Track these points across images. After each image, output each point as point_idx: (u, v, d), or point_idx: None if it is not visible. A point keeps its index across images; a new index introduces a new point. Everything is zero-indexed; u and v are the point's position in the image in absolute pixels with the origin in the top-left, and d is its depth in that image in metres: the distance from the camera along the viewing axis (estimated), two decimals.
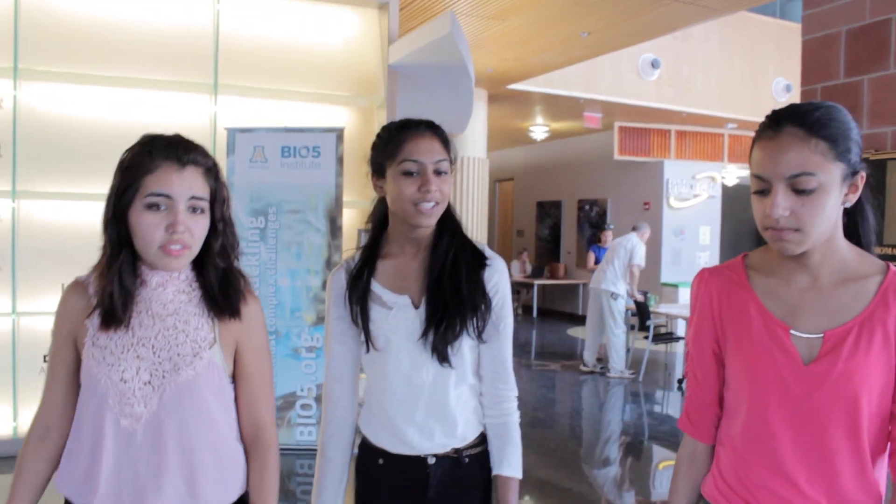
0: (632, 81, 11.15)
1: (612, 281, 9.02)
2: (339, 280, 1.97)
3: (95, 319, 1.63)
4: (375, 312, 1.91)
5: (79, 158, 5.39)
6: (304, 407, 5.44)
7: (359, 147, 6.06)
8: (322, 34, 6.08)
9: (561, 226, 15.52)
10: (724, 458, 1.63)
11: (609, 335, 9.05)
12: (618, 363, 9.03)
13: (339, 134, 5.48)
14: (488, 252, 1.96)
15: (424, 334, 1.86)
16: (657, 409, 7.95)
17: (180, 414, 1.64)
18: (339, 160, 5.47)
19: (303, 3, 6.01)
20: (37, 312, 5.35)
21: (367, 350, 1.94)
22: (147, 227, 1.58)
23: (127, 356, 1.62)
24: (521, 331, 13.45)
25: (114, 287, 1.61)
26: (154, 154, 1.61)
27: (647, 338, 9.01)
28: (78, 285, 1.69)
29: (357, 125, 6.18)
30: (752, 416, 1.56)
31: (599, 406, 8.10)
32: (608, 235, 10.60)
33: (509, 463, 1.95)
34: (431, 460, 1.92)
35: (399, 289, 1.92)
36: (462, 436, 1.94)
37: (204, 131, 5.63)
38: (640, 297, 9.09)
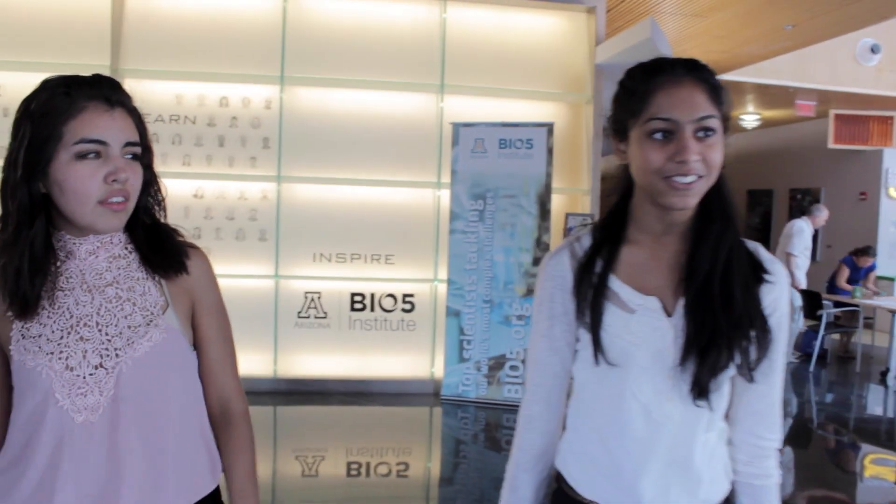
0: (849, 68, 10.94)
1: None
2: (562, 266, 1.49)
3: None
4: (611, 316, 1.41)
5: (330, 149, 6.46)
6: (512, 368, 6.20)
7: (568, 139, 6.73)
8: (535, 37, 6.76)
9: (772, 214, 15.32)
10: None
11: None
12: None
13: (549, 128, 6.16)
14: (765, 255, 1.44)
15: (684, 360, 1.37)
16: (829, 396, 7.95)
17: (142, 395, 1.39)
18: (549, 151, 6.15)
19: (518, 9, 6.71)
20: (293, 276, 6.50)
21: (597, 363, 1.43)
22: (81, 179, 1.31)
23: (68, 340, 1.36)
24: None
25: (23, 264, 1.33)
26: (74, 95, 1.33)
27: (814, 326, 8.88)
28: None
29: (566, 119, 6.82)
30: None
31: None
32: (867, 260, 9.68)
33: None
34: None
35: (644, 287, 1.42)
36: (706, 497, 1.44)
37: (432, 126, 6.52)
38: (799, 286, 8.72)
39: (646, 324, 1.39)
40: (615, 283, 1.42)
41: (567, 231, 6.48)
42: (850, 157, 13.19)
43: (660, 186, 1.34)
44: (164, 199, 1.49)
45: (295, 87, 6.44)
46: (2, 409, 1.40)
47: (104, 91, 1.36)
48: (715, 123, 1.33)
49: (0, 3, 6.11)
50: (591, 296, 1.42)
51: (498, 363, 6.23)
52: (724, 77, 10.20)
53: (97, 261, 1.41)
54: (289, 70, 6.38)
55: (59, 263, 1.39)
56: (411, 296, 6.65)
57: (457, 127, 6.29)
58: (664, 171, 1.32)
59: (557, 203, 6.58)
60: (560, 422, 1.56)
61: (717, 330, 1.35)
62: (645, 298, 1.40)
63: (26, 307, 1.34)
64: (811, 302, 8.93)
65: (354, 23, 6.51)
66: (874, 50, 11.03)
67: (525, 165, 6.16)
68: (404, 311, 6.64)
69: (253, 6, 6.40)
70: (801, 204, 14.37)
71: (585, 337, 1.43)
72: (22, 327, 1.36)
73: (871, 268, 9.63)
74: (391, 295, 6.62)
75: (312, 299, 6.56)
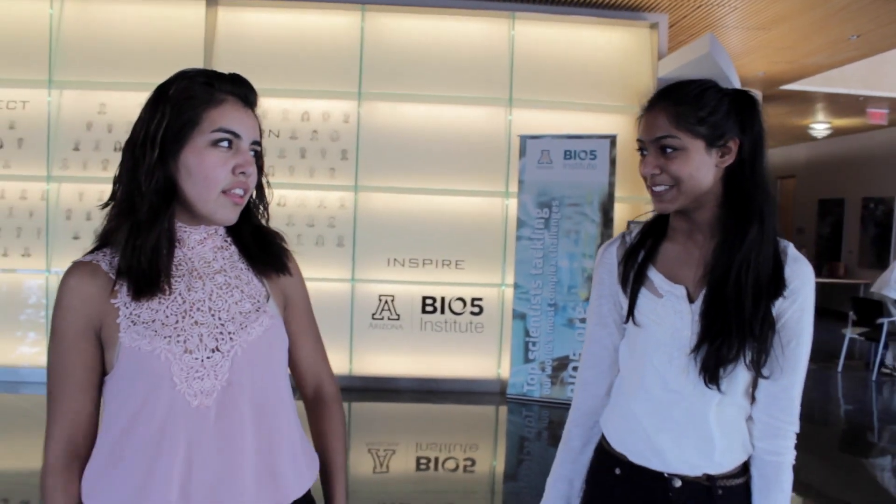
0: None
1: (893, 286, 8.74)
2: (611, 256, 1.74)
3: (126, 296, 1.36)
4: (644, 298, 1.65)
5: (404, 160, 6.86)
6: (575, 368, 6.46)
7: (632, 150, 6.96)
8: (599, 51, 7.03)
9: (843, 224, 15.17)
10: None
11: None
12: None
13: (612, 140, 6.43)
14: (788, 266, 1.58)
15: (697, 348, 1.57)
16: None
17: (254, 378, 1.41)
18: (612, 162, 6.41)
19: (583, 25, 7.00)
20: (368, 280, 6.90)
21: (619, 336, 1.73)
22: (213, 165, 1.35)
23: (184, 324, 1.37)
24: None
25: (162, 243, 1.36)
26: (217, 87, 1.39)
27: None
28: (84, 267, 1.38)
29: (630, 131, 7.05)
30: None
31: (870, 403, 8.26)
32: None
33: None
34: (677, 483, 1.62)
35: (675, 276, 1.64)
36: (720, 461, 1.61)
37: (500, 138, 6.86)
38: None
39: (670, 307, 1.61)
40: (651, 272, 1.64)
41: None
42: None
43: (650, 194, 1.59)
44: (268, 203, 1.53)
45: (372, 102, 6.86)
46: (91, 398, 1.38)
47: (244, 90, 1.41)
48: (674, 142, 1.53)
49: (105, 30, 6.69)
50: (631, 281, 1.65)
51: (562, 364, 6.50)
52: (792, 87, 10.26)
53: (205, 250, 1.45)
54: (366, 86, 6.80)
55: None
56: (480, 299, 6.97)
57: (524, 139, 6.61)
58: (647, 182, 1.59)
59: (620, 211, 6.82)
60: (608, 387, 1.76)
61: (727, 327, 1.53)
62: (673, 286, 1.61)
63: (152, 286, 1.35)
64: (870, 311, 8.89)
65: (427, 40, 6.91)
66: None
67: (589, 175, 6.44)
68: (473, 313, 6.97)
69: (332, 25, 6.85)
70: (874, 213, 14.23)
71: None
72: (131, 314, 1.35)
73: None
74: (460, 298, 6.96)
75: (386, 302, 6.94)
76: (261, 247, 1.51)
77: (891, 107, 11.79)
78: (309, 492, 1.52)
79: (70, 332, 1.36)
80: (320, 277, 6.73)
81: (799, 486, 5.36)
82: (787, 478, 1.61)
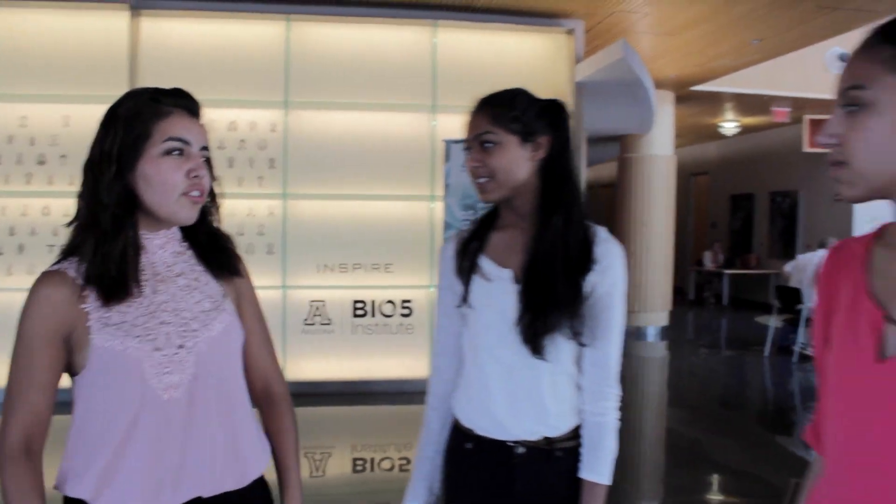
0: (820, 75, 11.41)
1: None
2: (449, 251, 1.91)
3: (94, 301, 1.45)
4: (476, 285, 1.81)
5: (331, 167, 6.96)
6: None
7: None
8: (519, 57, 7.25)
9: (753, 217, 15.82)
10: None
11: None
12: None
13: None
14: (598, 247, 1.78)
15: (520, 320, 1.74)
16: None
17: (217, 372, 1.54)
18: None
19: (502, 32, 7.22)
20: (299, 286, 6.98)
21: (466, 324, 1.86)
22: (169, 171, 1.46)
23: (151, 325, 1.48)
24: (713, 319, 14.06)
25: (129, 250, 1.47)
26: (163, 101, 1.49)
27: None
28: (53, 276, 1.47)
29: None
30: (832, 424, 1.22)
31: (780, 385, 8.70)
32: None
33: (597, 468, 1.78)
34: (520, 449, 1.78)
35: (504, 262, 1.81)
36: (555, 425, 1.79)
37: (425, 143, 7.05)
38: None
39: (499, 290, 1.78)
40: (482, 260, 1.83)
41: None
42: (824, 160, 13.61)
43: (475, 186, 1.81)
44: (220, 207, 1.64)
45: (298, 111, 6.95)
46: (49, 398, 1.47)
47: (187, 102, 1.53)
48: (492, 137, 1.76)
49: (26, 41, 6.59)
50: (465, 269, 1.83)
51: None
52: (702, 88, 10.71)
53: (165, 254, 1.56)
54: (292, 95, 6.89)
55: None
56: (409, 301, 7.12)
57: (448, 143, 6.79)
58: (471, 175, 1.81)
59: None
60: (458, 371, 1.90)
61: (542, 302, 1.71)
62: (501, 271, 1.80)
63: (122, 291, 1.46)
64: (790, 298, 9.42)
65: (352, 50, 7.02)
66: (842, 58, 11.51)
67: None
68: (403, 315, 7.12)
69: (258, 35, 6.91)
70: (781, 206, 14.88)
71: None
72: (101, 317, 1.45)
73: None
74: (390, 301, 7.10)
75: (317, 307, 7.04)
76: (215, 250, 1.63)
77: (793, 105, 12.35)
78: (262, 476, 1.64)
79: (39, 336, 1.44)
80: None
81: (713, 466, 5.67)
82: (610, 436, 1.79)
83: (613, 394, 1.81)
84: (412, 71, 7.09)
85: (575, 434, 1.81)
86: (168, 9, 6.79)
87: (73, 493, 1.46)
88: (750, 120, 13.85)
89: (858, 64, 1.08)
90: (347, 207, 7.01)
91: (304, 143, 6.95)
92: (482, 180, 1.78)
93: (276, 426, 1.70)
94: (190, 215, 1.52)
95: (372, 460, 5.40)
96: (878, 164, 1.06)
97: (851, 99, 1.07)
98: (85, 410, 1.48)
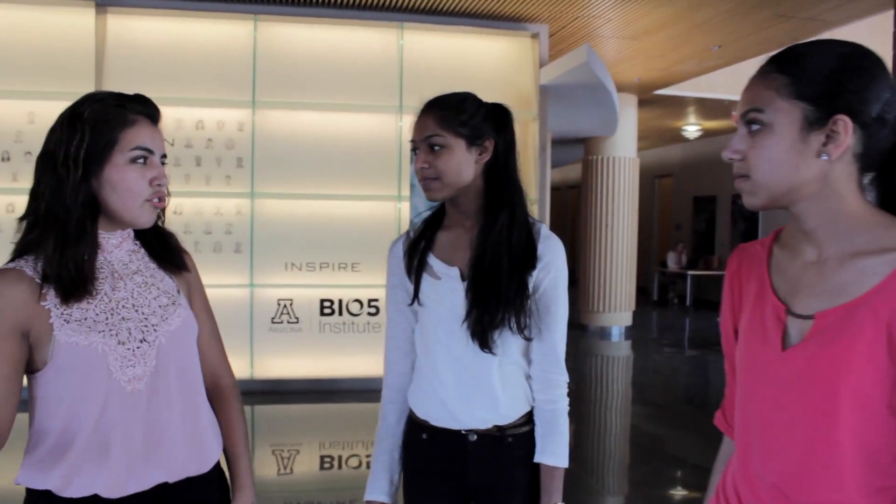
0: None
1: None
2: (398, 249, 1.97)
3: (55, 298, 1.48)
4: (426, 282, 1.88)
5: (299, 167, 7.01)
6: None
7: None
8: (485, 60, 7.36)
9: (716, 219, 16.07)
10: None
11: None
12: None
13: None
14: (541, 243, 1.87)
15: (468, 316, 1.81)
16: None
17: (177, 364, 1.60)
18: None
19: (469, 35, 7.31)
20: (267, 285, 7.03)
21: (414, 320, 1.95)
22: (134, 180, 1.51)
23: (113, 320, 1.53)
24: (676, 319, 14.27)
25: (88, 254, 1.51)
26: (128, 108, 1.54)
27: None
28: (10, 273, 1.49)
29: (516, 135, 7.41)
30: (740, 408, 1.34)
31: None
32: None
33: (553, 451, 1.87)
34: (473, 437, 1.87)
35: (450, 260, 1.88)
36: (505, 413, 1.87)
37: (392, 143, 7.12)
38: None
39: (447, 287, 1.86)
40: (431, 258, 1.90)
41: None
42: None
43: (421, 187, 1.86)
44: (166, 207, 1.67)
45: (265, 111, 6.98)
46: (12, 389, 1.47)
47: (150, 110, 1.58)
48: (440, 140, 1.81)
49: None
50: (414, 268, 1.90)
51: None
52: (665, 92, 10.89)
53: (121, 252, 1.60)
54: (260, 95, 6.92)
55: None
56: (376, 300, 7.18)
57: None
58: (418, 174, 1.85)
59: None
60: (412, 365, 1.98)
61: (488, 298, 1.79)
62: (449, 269, 1.87)
63: (81, 290, 1.49)
64: None
65: (319, 50, 7.08)
66: None
67: None
68: (370, 314, 7.18)
69: (225, 34, 6.94)
70: (742, 209, 15.13)
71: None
72: (62, 314, 1.48)
73: None
74: (357, 300, 7.16)
75: (285, 306, 7.08)
76: (164, 247, 1.68)
77: None
78: (218, 462, 1.71)
79: None
80: (219, 284, 6.79)
81: (675, 461, 5.80)
82: (564, 421, 1.89)
83: (562, 381, 1.90)
84: (379, 72, 7.15)
85: (525, 421, 1.90)
86: (134, 6, 6.79)
87: (40, 486, 1.49)
88: (712, 124, 14.07)
89: (756, 90, 1.23)
90: (315, 207, 7.06)
91: (272, 142, 6.99)
92: (429, 181, 1.83)
93: (226, 417, 1.75)
94: (150, 219, 1.58)
95: (339, 457, 5.45)
96: (775, 176, 1.20)
97: (751, 120, 1.21)
98: (47, 406, 1.50)
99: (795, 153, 1.19)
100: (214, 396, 1.76)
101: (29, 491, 1.52)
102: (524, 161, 7.39)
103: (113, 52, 6.75)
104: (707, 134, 15.14)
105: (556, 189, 19.09)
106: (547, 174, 7.64)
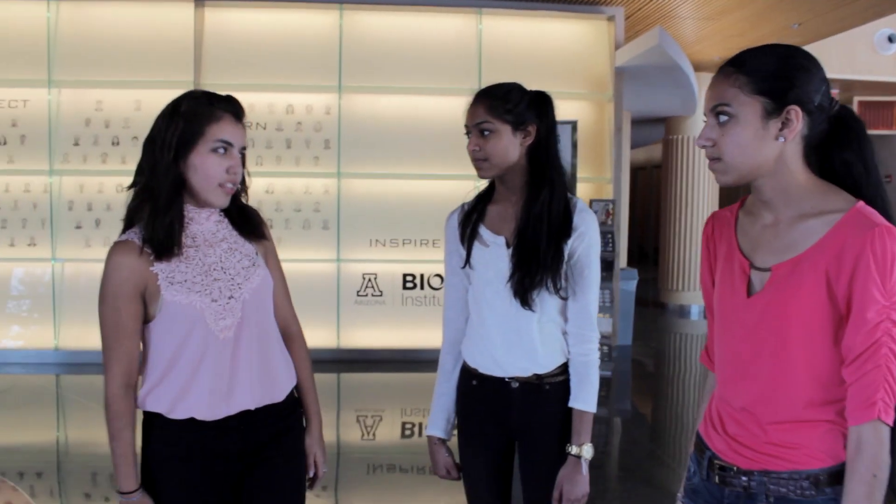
0: (867, 57, 11.36)
1: None
2: (453, 220, 2.23)
3: (160, 263, 1.80)
4: (477, 249, 2.13)
5: (382, 148, 7.39)
6: None
7: (593, 134, 7.55)
8: (561, 43, 7.58)
9: None
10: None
11: None
12: None
13: (573, 125, 6.97)
14: (576, 215, 2.09)
15: (511, 278, 2.06)
16: None
17: (255, 315, 1.90)
18: (574, 145, 6.95)
19: (546, 19, 7.55)
20: (353, 260, 7.44)
21: (467, 281, 2.20)
22: (213, 166, 1.79)
23: (207, 281, 1.83)
24: None
25: (175, 222, 1.80)
26: (216, 106, 1.82)
27: None
28: (125, 244, 1.81)
29: (591, 116, 7.63)
30: (717, 347, 1.63)
31: None
32: None
33: (583, 398, 2.10)
34: (515, 384, 2.11)
35: (498, 230, 2.13)
36: (543, 364, 2.11)
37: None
38: None
39: (494, 253, 2.11)
40: (481, 228, 2.14)
41: None
42: (875, 141, 13.52)
43: (474, 166, 2.11)
44: (248, 188, 1.97)
45: (351, 95, 7.38)
46: (138, 341, 1.83)
47: (235, 108, 1.86)
48: (489, 126, 2.05)
49: (100, 32, 7.15)
50: (467, 237, 2.15)
51: None
52: None
53: (210, 224, 1.90)
54: (345, 80, 7.33)
55: (185, 226, 1.85)
56: None
57: None
58: (470, 155, 2.10)
59: (583, 191, 7.40)
60: (466, 321, 2.23)
61: (528, 262, 2.03)
62: (496, 238, 2.11)
63: (169, 251, 1.79)
64: None
65: (402, 35, 7.43)
66: (892, 39, 11.47)
67: None
68: None
69: (313, 23, 7.36)
70: None
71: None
72: (167, 276, 1.79)
73: None
74: (438, 274, 7.48)
75: (370, 280, 7.47)
76: (243, 219, 1.97)
77: (841, 87, 12.31)
78: (292, 391, 2.04)
79: (122, 294, 1.78)
80: (308, 258, 7.23)
81: None
82: (595, 372, 2.12)
83: (594, 336, 2.13)
84: (458, 56, 7.45)
85: (561, 371, 2.13)
86: (229, 0, 7.28)
87: (153, 409, 1.84)
88: None
89: (722, 88, 1.47)
90: (397, 186, 7.42)
91: (357, 125, 7.38)
92: (479, 162, 2.09)
93: (296, 357, 2.07)
94: (223, 201, 1.86)
95: (419, 424, 5.66)
96: (744, 157, 1.46)
97: (720, 112, 1.46)
98: (157, 348, 1.84)
99: (759, 138, 1.44)
100: (286, 340, 2.05)
101: (145, 413, 1.87)
102: (601, 141, 7.60)
103: (210, 43, 7.25)
104: None
105: (641, 168, 18.98)
106: (624, 154, 7.83)
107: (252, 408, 1.90)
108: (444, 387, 2.28)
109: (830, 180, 1.50)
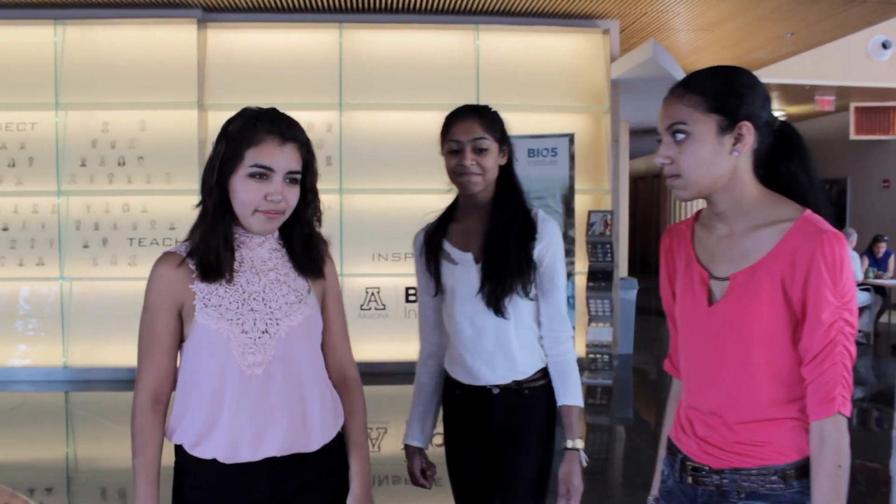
0: (862, 63, 11.42)
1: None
2: (419, 240, 2.31)
3: (200, 282, 1.71)
4: (445, 267, 2.21)
5: (383, 163, 7.51)
6: None
7: (589, 146, 7.65)
8: (557, 57, 7.70)
9: None
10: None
11: None
12: None
13: (571, 138, 7.10)
14: (539, 225, 2.19)
15: (481, 289, 2.14)
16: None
17: (292, 355, 1.75)
18: (572, 157, 7.07)
19: (541, 33, 7.67)
20: (356, 274, 7.55)
21: (439, 298, 2.26)
22: (248, 192, 1.68)
23: (242, 310, 1.71)
24: None
25: (220, 244, 1.71)
26: (259, 128, 1.69)
27: None
28: (171, 257, 1.74)
29: (588, 129, 7.74)
30: (683, 355, 1.70)
31: None
32: (881, 247, 10.35)
33: (571, 395, 2.19)
34: (495, 391, 2.19)
35: (464, 246, 2.20)
36: (522, 370, 2.19)
37: None
38: None
39: (464, 269, 2.19)
40: (447, 246, 2.22)
41: (590, 225, 7.37)
42: (872, 147, 13.61)
43: (456, 181, 2.18)
44: (321, 213, 1.86)
45: (352, 112, 7.52)
46: (173, 357, 1.74)
47: (280, 127, 1.70)
48: (485, 143, 2.13)
49: (103, 54, 7.29)
50: (433, 256, 2.23)
51: None
52: None
53: (262, 251, 1.78)
54: (346, 97, 7.47)
55: (234, 250, 1.75)
56: None
57: None
58: (454, 171, 2.16)
59: (582, 202, 7.49)
60: (440, 336, 2.33)
61: (498, 272, 2.12)
62: (464, 254, 2.19)
63: (217, 275, 1.70)
64: None
65: (400, 52, 7.57)
66: (886, 45, 11.53)
67: (551, 171, 7.10)
68: None
69: (313, 42, 7.51)
70: (829, 194, 14.91)
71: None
72: (204, 297, 1.70)
73: (888, 254, 10.24)
74: None
75: (373, 293, 7.60)
76: (305, 252, 1.83)
77: (837, 94, 12.38)
78: (339, 435, 1.87)
79: (160, 307, 1.71)
80: None
81: None
82: (574, 368, 2.22)
83: (567, 335, 2.23)
84: (457, 72, 7.58)
85: (539, 376, 2.22)
86: (231, 21, 7.42)
87: (177, 441, 1.75)
88: (795, 109, 13.88)
89: (677, 108, 1.54)
90: (398, 200, 7.50)
91: (358, 141, 7.51)
92: (474, 176, 2.14)
93: (349, 408, 1.90)
94: (264, 228, 1.74)
95: None
96: (701, 172, 1.53)
97: (677, 130, 1.53)
98: (186, 375, 1.74)
99: (714, 154, 1.52)
100: (341, 387, 1.89)
101: (175, 445, 1.77)
102: (598, 152, 7.70)
103: (213, 63, 7.38)
104: (791, 119, 14.93)
105: (641, 178, 19.09)
106: (622, 164, 7.91)
107: (278, 455, 1.75)
108: (418, 397, 2.38)
109: (776, 190, 1.59)
